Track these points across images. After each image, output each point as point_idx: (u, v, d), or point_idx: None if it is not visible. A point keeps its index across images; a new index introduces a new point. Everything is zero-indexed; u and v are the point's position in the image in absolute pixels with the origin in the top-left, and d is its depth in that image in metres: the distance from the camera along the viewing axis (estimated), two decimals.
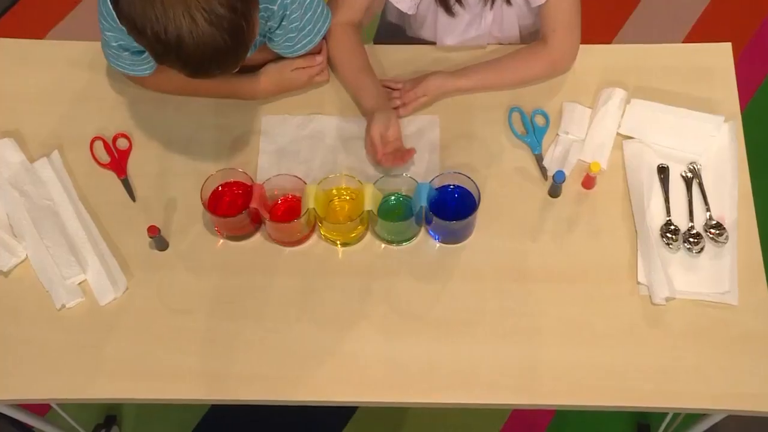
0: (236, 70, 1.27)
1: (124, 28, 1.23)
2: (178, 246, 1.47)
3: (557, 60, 1.57)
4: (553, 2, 1.52)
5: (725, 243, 1.43)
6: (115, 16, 1.32)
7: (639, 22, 2.73)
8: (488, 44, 1.65)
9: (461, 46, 1.65)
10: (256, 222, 1.47)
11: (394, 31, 1.77)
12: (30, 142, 1.58)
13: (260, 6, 1.28)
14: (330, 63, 1.60)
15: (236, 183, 1.47)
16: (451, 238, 1.46)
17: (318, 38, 1.52)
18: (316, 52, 1.56)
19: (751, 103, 2.54)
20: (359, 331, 1.39)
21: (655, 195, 1.49)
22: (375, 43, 1.75)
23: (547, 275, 1.42)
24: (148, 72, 1.50)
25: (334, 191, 1.48)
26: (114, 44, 1.41)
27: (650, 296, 1.40)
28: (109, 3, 1.32)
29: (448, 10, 1.56)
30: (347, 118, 1.58)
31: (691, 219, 1.46)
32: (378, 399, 1.35)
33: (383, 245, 1.47)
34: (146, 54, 1.45)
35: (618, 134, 1.55)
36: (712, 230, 1.45)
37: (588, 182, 1.50)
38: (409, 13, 1.61)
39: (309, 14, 1.47)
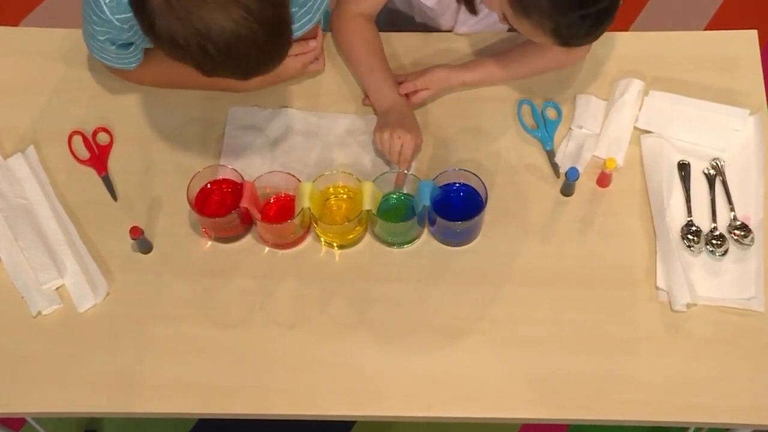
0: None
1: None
2: (163, 248, 1.47)
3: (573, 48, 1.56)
4: None
5: (750, 245, 1.43)
6: (104, 7, 1.32)
7: (658, 8, 2.73)
8: (507, 30, 1.65)
9: (471, 34, 1.65)
10: (247, 223, 1.47)
11: (400, 19, 1.76)
12: (3, 137, 1.58)
13: None
14: (345, 56, 1.61)
15: (225, 181, 1.47)
16: (456, 239, 1.46)
17: (317, 15, 1.51)
18: (311, 37, 1.56)
19: None
20: (357, 340, 1.39)
21: (676, 194, 1.49)
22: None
23: (559, 279, 1.43)
24: (133, 65, 1.50)
25: (330, 190, 1.48)
26: (101, 38, 1.41)
27: (670, 302, 1.40)
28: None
29: (473, 11, 1.56)
30: (345, 112, 1.59)
31: (714, 219, 1.46)
32: (377, 413, 1.35)
33: (383, 247, 1.47)
34: (133, 47, 1.45)
35: (635, 128, 1.55)
36: (737, 231, 1.45)
37: (603, 180, 1.50)
38: (433, 7, 1.61)
39: None
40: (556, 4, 1.26)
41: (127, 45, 1.45)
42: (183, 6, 1.14)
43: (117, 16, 1.35)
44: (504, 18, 1.36)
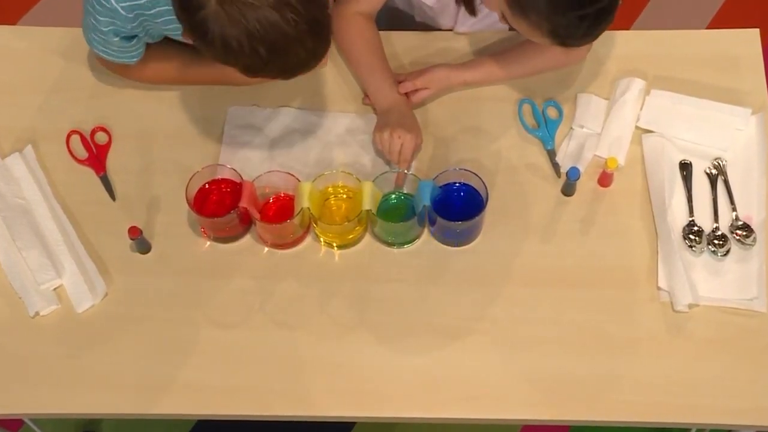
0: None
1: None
2: (162, 248, 1.47)
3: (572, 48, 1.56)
4: None
5: (752, 245, 1.43)
6: None
7: (660, 7, 2.73)
8: (508, 30, 1.65)
9: (471, 33, 1.65)
10: (246, 223, 1.47)
11: (400, 18, 1.76)
12: (1, 136, 1.58)
13: None
14: (344, 55, 1.61)
15: (224, 180, 1.47)
16: (457, 239, 1.46)
17: None
18: None
19: None
20: (357, 340, 1.39)
21: (677, 193, 1.49)
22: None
23: (559, 280, 1.43)
24: (135, 59, 1.50)
25: (330, 189, 1.48)
26: (105, 29, 1.41)
27: (672, 303, 1.40)
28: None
29: (472, 12, 1.56)
30: (345, 111, 1.59)
31: (716, 219, 1.46)
32: (377, 414, 1.35)
33: (383, 247, 1.47)
34: (136, 39, 1.46)
35: (636, 128, 1.55)
36: (739, 231, 1.45)
37: (604, 179, 1.50)
38: (433, 6, 1.61)
39: None
40: (554, 4, 1.26)
41: (130, 37, 1.45)
42: (238, 10, 1.17)
43: (122, 4, 1.35)
44: (503, 18, 1.36)
